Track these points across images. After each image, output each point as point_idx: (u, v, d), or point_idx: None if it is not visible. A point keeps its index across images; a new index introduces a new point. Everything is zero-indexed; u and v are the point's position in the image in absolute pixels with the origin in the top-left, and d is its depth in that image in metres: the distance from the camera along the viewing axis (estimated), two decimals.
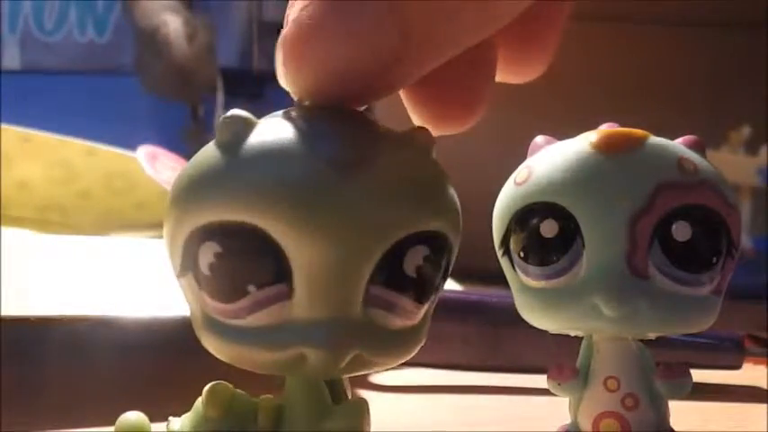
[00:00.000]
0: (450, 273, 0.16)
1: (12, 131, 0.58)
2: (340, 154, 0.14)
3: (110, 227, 0.59)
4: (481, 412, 0.31)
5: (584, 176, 0.17)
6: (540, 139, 0.19)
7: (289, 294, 0.14)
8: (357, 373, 0.16)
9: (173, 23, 1.13)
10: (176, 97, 1.19)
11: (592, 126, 0.18)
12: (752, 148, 0.68)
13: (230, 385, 0.16)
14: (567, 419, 0.19)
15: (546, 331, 0.19)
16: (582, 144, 0.18)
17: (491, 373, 0.35)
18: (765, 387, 0.35)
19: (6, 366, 0.29)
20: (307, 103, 0.16)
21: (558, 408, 0.19)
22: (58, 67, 1.37)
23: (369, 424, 0.16)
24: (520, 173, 0.18)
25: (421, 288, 0.15)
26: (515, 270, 0.18)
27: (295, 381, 0.16)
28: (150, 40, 1.12)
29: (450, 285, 0.48)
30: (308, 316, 0.14)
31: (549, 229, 0.17)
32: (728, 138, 0.68)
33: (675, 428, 0.18)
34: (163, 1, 1.14)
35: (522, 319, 0.19)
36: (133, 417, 0.16)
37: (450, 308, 0.35)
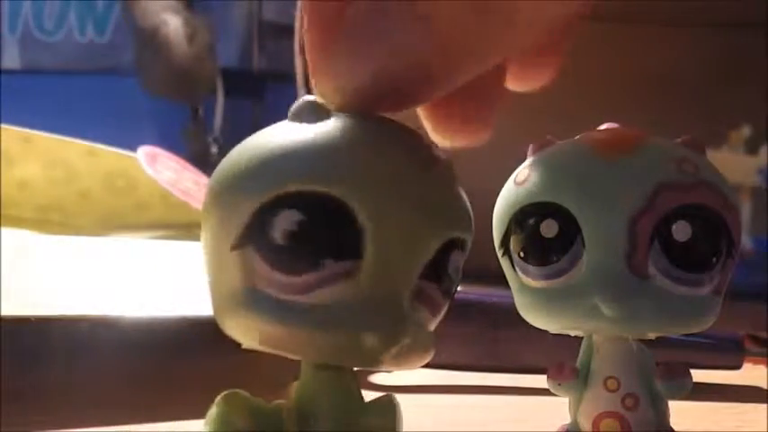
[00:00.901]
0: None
1: (12, 131, 0.58)
2: (418, 151, 0.15)
3: (110, 227, 0.59)
4: (481, 412, 0.31)
5: (584, 176, 0.17)
6: (540, 139, 0.19)
7: (357, 273, 0.14)
8: (390, 370, 0.16)
9: (173, 23, 1.13)
10: (176, 97, 1.19)
11: (592, 126, 0.18)
12: (752, 148, 0.68)
13: (245, 393, 0.16)
14: (567, 419, 0.19)
15: (546, 331, 0.19)
16: (582, 144, 0.18)
17: (491, 373, 0.35)
18: (765, 387, 0.35)
19: (6, 366, 0.29)
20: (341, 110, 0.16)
21: (558, 408, 0.19)
22: (58, 67, 1.37)
23: (402, 423, 0.16)
24: (520, 173, 0.18)
25: (453, 287, 0.16)
26: (515, 270, 0.18)
27: (320, 376, 0.15)
28: (150, 40, 1.12)
29: None
30: (369, 298, 0.14)
31: (549, 229, 0.17)
32: (728, 138, 0.68)
33: (675, 428, 0.19)
34: (163, 1, 1.15)
35: (522, 319, 0.19)
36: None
37: (451, 308, 0.35)
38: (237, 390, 0.16)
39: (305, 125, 0.15)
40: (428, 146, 0.16)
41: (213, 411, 0.15)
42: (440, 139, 0.18)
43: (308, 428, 0.15)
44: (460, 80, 0.16)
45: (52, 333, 0.31)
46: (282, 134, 0.15)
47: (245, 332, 0.15)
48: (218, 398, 0.15)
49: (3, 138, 0.57)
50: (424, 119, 0.18)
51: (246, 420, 0.15)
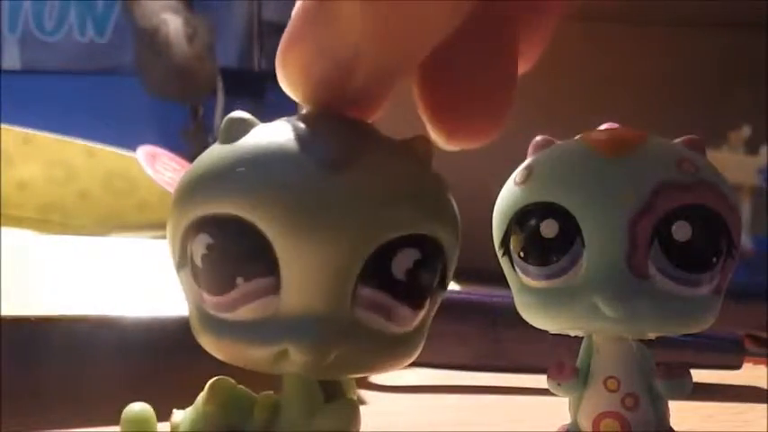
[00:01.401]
0: (447, 282, 0.16)
1: (12, 131, 0.58)
2: (329, 154, 0.15)
3: (110, 227, 0.59)
4: (481, 412, 0.31)
5: (584, 176, 0.17)
6: (539, 139, 0.19)
7: (276, 289, 0.14)
8: (346, 376, 0.16)
9: (173, 23, 1.13)
10: (176, 97, 1.19)
11: (592, 126, 0.18)
12: (752, 148, 0.68)
13: (232, 381, 0.16)
14: (567, 419, 0.19)
15: (546, 331, 0.19)
16: (582, 144, 0.18)
17: (491, 373, 0.35)
18: (765, 387, 0.35)
19: (6, 366, 0.29)
20: (305, 108, 0.16)
21: (558, 408, 0.19)
22: (58, 67, 1.37)
23: (357, 424, 0.16)
24: (520, 173, 0.18)
25: (412, 293, 0.15)
26: (515, 270, 0.18)
27: (291, 379, 0.16)
28: (150, 40, 1.12)
29: (451, 285, 0.48)
30: (294, 312, 0.14)
31: (549, 229, 0.17)
32: (728, 138, 0.68)
33: (675, 428, 0.19)
34: (163, 1, 1.14)
35: (522, 319, 0.19)
36: (138, 407, 0.16)
37: (450, 308, 0.35)
38: (225, 378, 0.16)
39: (224, 146, 0.15)
40: (347, 143, 0.15)
41: (200, 394, 0.16)
42: (443, 141, 0.18)
43: (270, 425, 0.16)
44: (406, 65, 0.16)
45: (52, 333, 0.31)
46: (205, 159, 0.15)
47: (209, 347, 0.15)
48: (208, 382, 0.16)
49: (3, 138, 0.57)
50: (425, 120, 0.18)
51: (215, 407, 0.16)
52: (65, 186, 0.59)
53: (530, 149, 0.19)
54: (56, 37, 1.39)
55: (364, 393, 0.32)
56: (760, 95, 0.68)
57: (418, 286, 0.15)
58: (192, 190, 0.15)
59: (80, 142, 0.60)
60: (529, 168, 0.18)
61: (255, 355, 0.15)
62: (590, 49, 0.66)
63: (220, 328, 0.15)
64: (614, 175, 0.17)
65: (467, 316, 0.35)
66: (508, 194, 0.18)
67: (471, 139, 0.18)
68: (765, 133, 0.68)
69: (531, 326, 0.19)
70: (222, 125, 0.15)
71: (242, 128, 0.15)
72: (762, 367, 0.37)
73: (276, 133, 0.15)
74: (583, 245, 0.17)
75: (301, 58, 0.15)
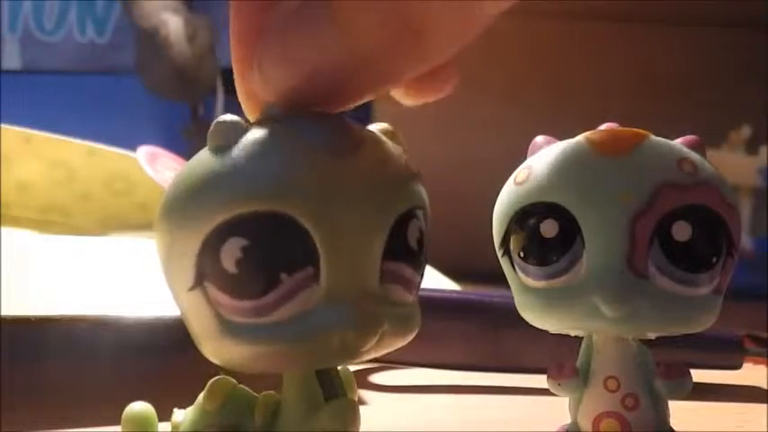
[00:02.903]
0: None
1: (12, 131, 0.57)
2: (333, 141, 0.15)
3: (110, 227, 0.59)
4: (481, 412, 0.31)
5: (584, 176, 0.17)
6: (540, 139, 0.19)
7: (316, 279, 0.14)
8: (377, 354, 0.16)
9: (173, 23, 1.13)
10: (177, 97, 1.19)
11: (592, 126, 0.18)
12: (752, 148, 0.68)
13: (232, 380, 0.16)
14: (567, 419, 0.19)
15: (546, 331, 0.19)
16: (582, 144, 0.18)
17: (491, 373, 0.35)
18: (765, 387, 0.35)
19: (6, 366, 0.29)
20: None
21: (558, 408, 0.19)
22: (58, 67, 1.37)
23: (356, 423, 0.15)
24: (520, 173, 0.18)
25: (421, 261, 0.16)
26: (515, 270, 0.18)
27: (291, 378, 0.16)
28: (150, 40, 1.12)
29: (451, 285, 0.48)
30: (334, 298, 0.14)
31: (549, 229, 0.17)
32: (728, 138, 0.68)
33: (675, 428, 0.19)
34: (163, 1, 1.14)
35: (523, 319, 0.19)
36: (139, 407, 0.16)
37: (451, 308, 0.35)
38: (225, 377, 0.16)
39: (223, 149, 0.15)
40: (343, 132, 0.16)
41: (200, 395, 0.16)
42: (403, 95, 0.18)
43: (270, 424, 0.16)
44: (380, 87, 0.16)
45: (52, 333, 0.31)
46: (201, 166, 0.15)
47: (224, 359, 0.15)
48: (208, 382, 0.16)
49: (3, 138, 0.56)
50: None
51: (215, 406, 0.16)
52: (65, 186, 0.59)
53: (530, 149, 0.19)
54: (56, 37, 1.39)
55: (364, 393, 0.32)
56: (760, 95, 0.68)
57: (423, 252, 0.16)
58: (201, 198, 0.15)
59: (80, 142, 0.60)
60: (529, 168, 0.18)
61: (298, 351, 0.15)
62: (590, 49, 0.66)
63: (253, 332, 0.15)
64: (614, 175, 0.17)
65: (467, 316, 0.35)
66: (508, 194, 0.18)
67: (428, 94, 0.18)
68: (765, 133, 0.68)
69: (531, 326, 0.19)
70: (213, 130, 0.15)
71: (237, 130, 0.15)
72: (762, 367, 0.37)
73: (272, 131, 0.15)
74: (583, 245, 0.17)
75: (294, 52, 0.15)
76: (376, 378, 0.34)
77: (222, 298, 0.15)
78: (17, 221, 0.56)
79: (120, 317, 0.30)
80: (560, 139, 0.19)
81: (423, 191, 0.16)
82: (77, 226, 0.59)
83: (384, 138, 0.16)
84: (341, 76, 0.15)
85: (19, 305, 0.29)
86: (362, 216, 0.15)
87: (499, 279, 0.19)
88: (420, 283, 0.16)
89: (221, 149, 0.15)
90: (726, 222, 0.17)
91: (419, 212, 0.16)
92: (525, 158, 0.19)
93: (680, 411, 0.19)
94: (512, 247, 0.18)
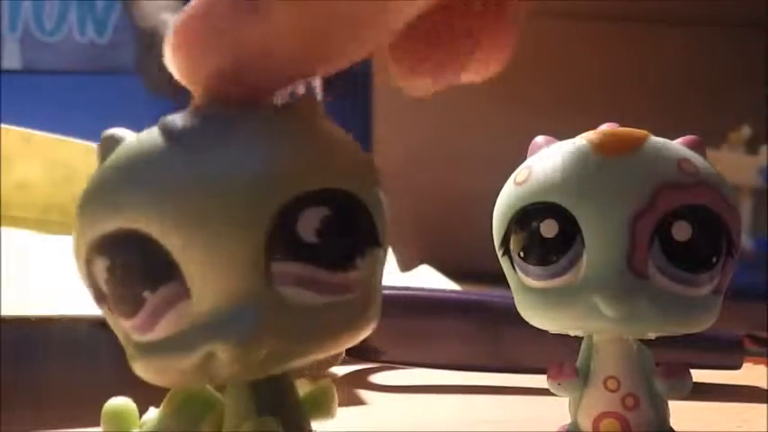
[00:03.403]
0: (382, 238, 0.15)
1: (12, 131, 0.57)
2: (193, 137, 0.14)
3: None
4: (481, 412, 0.31)
5: (584, 176, 0.17)
6: (540, 139, 0.19)
7: (187, 294, 0.13)
8: (291, 363, 0.14)
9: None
10: (176, 97, 1.18)
11: (592, 126, 0.18)
12: (752, 148, 0.68)
13: (194, 388, 0.16)
14: (567, 419, 0.19)
15: (546, 331, 0.19)
16: (582, 144, 0.18)
17: (491, 373, 0.35)
18: (765, 387, 0.35)
19: (6, 366, 0.29)
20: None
21: (558, 408, 0.19)
22: (58, 67, 1.37)
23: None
24: (520, 173, 0.18)
25: (333, 253, 0.14)
26: (515, 270, 0.18)
27: (228, 389, 0.15)
28: (150, 40, 1.12)
29: (451, 285, 0.48)
30: (209, 310, 0.13)
31: (549, 229, 0.17)
32: (728, 138, 0.68)
33: (675, 428, 0.19)
34: (163, 1, 1.14)
35: (522, 319, 0.19)
36: (120, 401, 0.16)
37: (451, 308, 0.35)
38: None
39: (100, 166, 0.15)
40: (214, 124, 0.14)
41: None
42: (409, 84, 0.17)
43: (222, 427, 0.15)
44: (321, 69, 0.15)
45: (52, 333, 0.31)
46: (88, 182, 0.15)
47: (144, 375, 0.15)
48: None
49: (3, 138, 0.56)
50: (393, 65, 0.17)
51: (167, 410, 0.16)
52: (65, 186, 0.59)
53: (530, 149, 0.19)
54: (56, 37, 1.39)
55: (364, 393, 0.32)
56: (760, 95, 0.68)
57: (337, 245, 0.14)
58: (81, 216, 0.14)
59: (80, 142, 0.60)
60: (529, 168, 0.18)
61: (184, 369, 0.14)
62: (590, 49, 0.66)
63: (146, 351, 0.14)
64: (614, 175, 0.17)
65: (467, 316, 0.35)
66: (508, 194, 0.18)
67: (432, 85, 0.17)
68: (765, 133, 0.68)
69: (531, 326, 0.19)
70: (98, 147, 0.15)
71: (111, 144, 0.15)
72: (762, 367, 0.37)
73: (141, 138, 0.14)
74: (583, 245, 0.17)
75: (215, 42, 0.14)
76: (376, 378, 0.34)
77: (109, 315, 0.15)
78: (17, 221, 0.56)
79: None
80: (560, 139, 0.19)
81: (347, 170, 0.14)
82: None
83: (281, 116, 0.15)
84: (266, 63, 0.14)
85: (19, 305, 0.29)
86: (220, 219, 0.13)
87: (499, 279, 0.19)
88: (349, 276, 0.14)
89: (100, 166, 0.15)
90: (726, 222, 0.17)
91: (337, 199, 0.14)
92: (525, 158, 0.19)
93: (680, 411, 0.19)
94: (512, 247, 0.18)
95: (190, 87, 0.15)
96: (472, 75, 0.17)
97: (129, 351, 0.15)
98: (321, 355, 0.14)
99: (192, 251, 0.13)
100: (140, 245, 0.13)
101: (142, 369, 0.15)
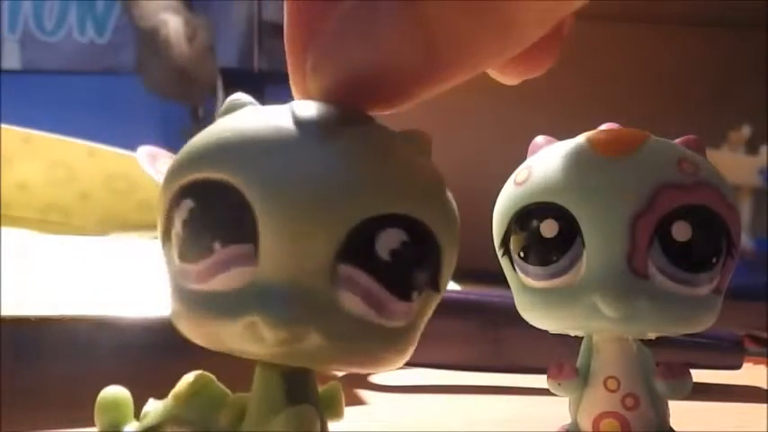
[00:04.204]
0: (442, 285, 0.15)
1: (12, 131, 0.57)
2: (317, 122, 0.14)
3: (110, 227, 0.59)
4: (481, 412, 0.31)
5: (584, 176, 0.17)
6: (540, 139, 0.19)
7: (254, 259, 0.14)
8: (324, 367, 0.15)
9: (173, 23, 1.13)
10: (176, 97, 1.19)
11: (592, 126, 0.18)
12: (752, 148, 0.68)
13: (208, 378, 0.16)
14: (567, 419, 0.19)
15: (546, 331, 0.19)
16: (582, 144, 0.18)
17: (491, 373, 0.35)
18: (765, 387, 0.35)
19: (6, 366, 0.29)
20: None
21: (558, 408, 0.19)
22: (58, 67, 1.38)
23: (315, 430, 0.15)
24: (520, 173, 0.18)
25: (398, 278, 0.14)
26: (515, 270, 0.18)
27: (257, 379, 0.15)
28: (150, 40, 1.12)
29: (451, 285, 0.48)
30: (268, 282, 0.14)
31: (549, 229, 0.17)
32: (728, 138, 0.68)
33: (675, 428, 0.19)
34: (163, 1, 1.15)
35: (523, 319, 0.19)
36: (115, 390, 0.16)
37: (451, 308, 0.35)
38: (202, 374, 0.16)
39: (216, 121, 0.15)
40: (337, 117, 0.15)
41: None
42: (502, 74, 0.17)
43: (234, 427, 0.15)
44: (451, 82, 0.15)
45: (52, 333, 0.31)
46: (198, 134, 0.15)
47: (183, 327, 0.15)
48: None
49: (3, 138, 0.56)
50: None
51: (178, 400, 0.16)
52: (65, 186, 0.59)
53: (530, 149, 0.19)
54: (56, 37, 1.39)
55: (364, 393, 0.32)
56: (760, 95, 0.68)
57: (405, 272, 0.14)
58: (179, 162, 0.15)
59: (80, 142, 0.60)
60: (529, 168, 0.18)
61: (223, 330, 0.14)
62: (590, 48, 0.66)
63: (194, 301, 0.14)
64: (614, 175, 0.17)
65: (467, 316, 0.35)
66: (508, 194, 0.18)
67: (525, 69, 0.18)
68: (765, 133, 0.68)
69: (531, 326, 0.19)
70: (223, 105, 0.15)
71: (234, 106, 0.15)
72: (762, 367, 0.37)
73: (269, 108, 0.15)
74: (583, 245, 0.17)
75: (361, 57, 0.15)
76: (376, 378, 0.34)
77: (173, 258, 0.15)
78: (17, 221, 0.56)
79: (120, 317, 0.30)
80: (560, 139, 0.19)
81: (433, 207, 0.15)
82: (77, 226, 0.59)
83: (399, 137, 0.15)
84: (405, 75, 0.15)
85: (19, 305, 0.29)
86: (314, 205, 0.14)
87: (499, 279, 0.19)
88: (405, 306, 0.15)
89: (215, 121, 0.15)
90: (726, 222, 0.17)
91: (417, 227, 0.14)
92: (525, 158, 0.19)
93: (680, 411, 0.19)
94: (512, 247, 0.18)
95: (316, 97, 0.15)
96: (515, 76, 0.18)
97: (177, 303, 0.15)
98: (350, 369, 0.15)
99: (276, 224, 0.14)
100: (230, 200, 0.14)
101: (185, 320, 0.15)
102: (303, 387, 0.15)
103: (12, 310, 0.29)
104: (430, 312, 0.16)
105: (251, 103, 0.15)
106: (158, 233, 0.15)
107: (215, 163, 0.14)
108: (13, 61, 1.36)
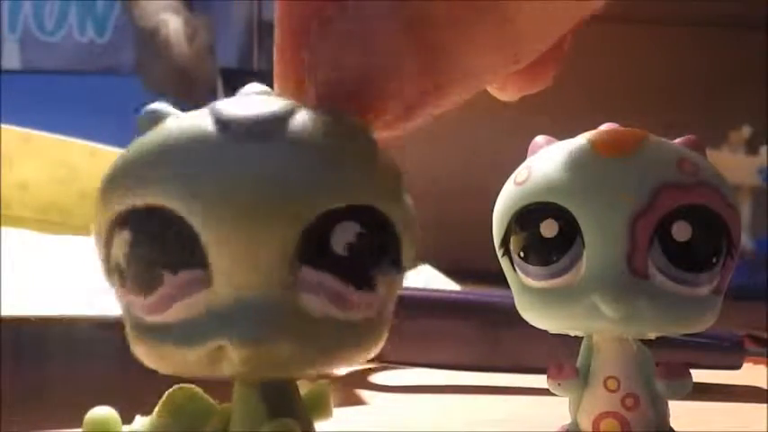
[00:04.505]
0: (404, 265, 0.15)
1: (12, 131, 0.57)
2: (247, 124, 0.13)
3: None
4: (481, 412, 0.31)
5: (584, 176, 0.17)
6: (540, 139, 0.19)
7: (208, 282, 0.13)
8: (297, 373, 0.14)
9: (173, 23, 1.13)
10: (176, 97, 1.19)
11: (592, 126, 0.18)
12: (752, 148, 0.68)
13: (194, 390, 0.16)
14: (567, 419, 0.19)
15: (546, 331, 0.19)
16: (582, 144, 0.18)
17: (491, 373, 0.35)
18: (765, 387, 0.35)
19: (6, 366, 0.29)
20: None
21: (558, 408, 0.19)
22: (58, 67, 1.37)
23: None
24: (520, 173, 0.18)
25: (359, 271, 0.14)
26: (515, 270, 0.18)
27: (237, 392, 0.15)
28: (150, 40, 1.12)
29: (451, 285, 0.48)
30: (227, 304, 0.13)
31: (549, 229, 0.17)
32: (728, 138, 0.68)
33: (675, 428, 0.19)
34: (163, 1, 1.15)
35: (523, 319, 0.19)
36: (102, 412, 0.16)
37: (451, 308, 0.35)
38: (186, 387, 0.16)
39: (138, 139, 0.14)
40: (269, 115, 0.14)
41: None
42: (501, 91, 0.17)
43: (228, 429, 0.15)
44: (448, 93, 0.15)
45: (52, 333, 0.31)
46: (122, 153, 0.14)
47: (145, 359, 0.14)
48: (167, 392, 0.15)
49: (3, 138, 0.56)
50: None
51: (166, 416, 0.15)
52: (65, 186, 0.59)
53: (530, 149, 0.19)
54: (56, 37, 1.39)
55: (364, 393, 0.32)
56: (760, 95, 0.68)
57: (365, 264, 0.14)
58: (108, 187, 0.14)
59: (80, 142, 0.60)
60: (529, 168, 0.18)
61: (189, 359, 0.13)
62: (590, 49, 0.66)
63: (153, 334, 0.14)
64: (614, 175, 0.17)
65: (467, 316, 0.35)
66: (508, 194, 0.18)
67: (523, 88, 0.17)
68: (765, 133, 0.68)
69: (531, 326, 0.19)
70: (139, 120, 0.14)
71: (153, 118, 0.14)
72: (762, 367, 0.37)
73: (190, 116, 0.14)
74: (583, 245, 0.17)
75: (352, 60, 0.15)
76: (376, 378, 0.34)
77: (120, 289, 0.14)
78: (17, 221, 0.56)
79: (119, 317, 0.30)
80: (560, 139, 0.19)
81: (386, 192, 0.14)
82: (77, 226, 0.59)
83: (336, 120, 0.14)
84: (396, 81, 0.15)
85: (19, 305, 0.29)
86: (260, 213, 0.13)
87: (499, 279, 0.19)
88: (370, 297, 0.14)
89: (139, 138, 0.14)
90: (726, 222, 0.17)
91: (372, 216, 0.14)
92: (525, 158, 0.19)
93: (680, 411, 0.19)
94: (512, 247, 0.18)
95: (299, 96, 0.15)
96: (514, 91, 0.17)
97: (132, 332, 0.14)
98: (327, 369, 0.14)
99: (223, 240, 0.13)
100: (170, 225, 0.13)
101: (144, 352, 0.14)
102: (283, 397, 0.15)
103: (12, 310, 0.29)
104: (397, 293, 0.15)
105: (172, 114, 0.14)
106: (98, 258, 0.14)
107: (143, 187, 0.13)
108: (13, 61, 1.36)
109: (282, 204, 0.13)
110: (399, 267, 0.15)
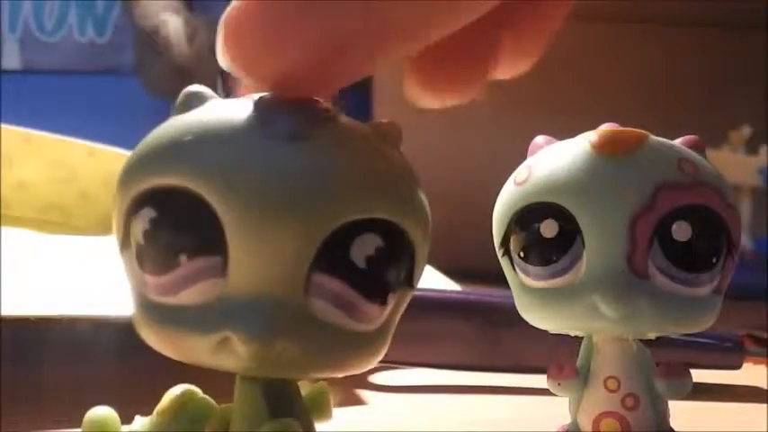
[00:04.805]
0: (416, 282, 0.15)
1: (12, 131, 0.57)
2: (286, 125, 0.13)
3: (110, 227, 0.58)
4: (481, 412, 0.31)
5: (584, 176, 0.17)
6: (540, 139, 0.19)
7: (223, 271, 0.13)
8: (297, 375, 0.14)
9: (173, 23, 1.13)
10: (176, 97, 1.18)
11: (592, 126, 0.18)
12: (752, 148, 0.68)
13: (193, 391, 0.16)
14: (567, 419, 0.19)
15: (546, 331, 0.19)
16: (582, 144, 0.18)
17: (491, 373, 0.35)
18: (765, 387, 0.35)
19: (6, 366, 0.29)
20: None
21: (558, 408, 0.19)
22: (58, 67, 1.37)
23: None
24: (520, 173, 0.18)
25: (374, 284, 0.14)
26: (515, 270, 0.18)
27: (238, 391, 0.15)
28: (150, 40, 1.12)
29: (451, 285, 0.48)
30: (239, 296, 0.13)
31: (549, 229, 0.17)
32: (728, 138, 0.68)
33: (675, 428, 0.19)
34: (163, 1, 1.14)
35: (522, 319, 0.19)
36: (102, 412, 0.16)
37: (451, 308, 0.35)
38: (186, 387, 0.16)
39: (174, 118, 0.14)
40: (306, 118, 0.14)
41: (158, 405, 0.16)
42: (422, 96, 0.17)
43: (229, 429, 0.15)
44: (395, 50, 0.14)
45: (52, 333, 0.31)
46: (155, 130, 0.14)
47: (149, 339, 0.14)
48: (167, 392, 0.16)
49: (3, 138, 0.56)
50: (408, 75, 0.17)
51: (165, 416, 0.15)
52: (65, 186, 0.59)
53: (530, 149, 0.19)
54: (56, 37, 1.39)
55: (364, 393, 0.32)
56: (760, 95, 0.68)
57: (381, 277, 0.14)
58: (137, 162, 0.14)
59: (80, 142, 0.60)
60: (529, 168, 0.18)
61: (195, 345, 0.13)
62: (590, 49, 0.66)
63: (161, 314, 0.14)
64: (614, 174, 0.17)
65: (467, 316, 0.35)
66: (508, 194, 0.18)
67: (448, 99, 0.17)
68: (765, 133, 0.68)
69: (531, 326, 0.19)
70: (180, 97, 0.14)
71: (197, 101, 0.14)
72: (762, 367, 0.37)
73: (232, 105, 0.14)
74: (583, 245, 0.17)
75: (303, 39, 0.14)
76: (376, 378, 0.34)
77: (136, 269, 0.14)
78: (17, 221, 0.56)
79: (119, 317, 0.30)
80: (560, 139, 0.19)
81: (408, 207, 0.14)
82: (77, 226, 0.59)
83: (369, 135, 0.14)
84: (348, 56, 0.14)
85: (19, 305, 0.29)
86: (286, 214, 0.13)
87: (499, 279, 0.19)
88: (381, 310, 0.14)
89: (176, 117, 0.14)
90: (726, 222, 0.17)
91: (393, 231, 0.14)
92: (525, 158, 0.19)
93: (680, 411, 0.19)
94: (512, 247, 0.18)
95: (248, 80, 0.14)
96: (500, 73, 0.17)
97: (139, 312, 0.14)
98: (328, 375, 0.15)
99: (246, 233, 0.13)
100: (195, 209, 0.13)
101: (150, 332, 0.14)
102: (285, 397, 0.15)
103: (12, 310, 0.29)
104: (403, 307, 0.15)
105: (212, 97, 0.14)
106: (115, 235, 0.14)
107: (175, 168, 0.13)
108: (13, 61, 1.36)
109: (312, 208, 0.13)
110: (411, 284, 0.15)
